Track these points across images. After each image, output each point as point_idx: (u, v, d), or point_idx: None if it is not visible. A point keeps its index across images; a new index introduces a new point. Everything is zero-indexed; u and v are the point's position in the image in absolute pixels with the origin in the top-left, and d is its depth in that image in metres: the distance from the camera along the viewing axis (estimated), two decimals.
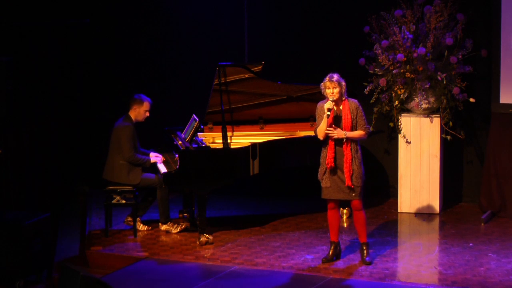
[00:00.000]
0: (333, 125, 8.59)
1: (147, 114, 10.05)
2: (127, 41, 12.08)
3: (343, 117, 8.60)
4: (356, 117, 8.63)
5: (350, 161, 8.59)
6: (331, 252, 8.94)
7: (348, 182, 8.59)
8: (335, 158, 8.62)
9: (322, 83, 8.64)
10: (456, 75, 10.46)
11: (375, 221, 10.40)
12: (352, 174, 8.59)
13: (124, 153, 9.88)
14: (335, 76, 8.58)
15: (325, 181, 8.69)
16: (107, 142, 10.08)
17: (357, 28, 10.86)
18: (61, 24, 11.35)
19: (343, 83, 8.60)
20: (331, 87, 8.56)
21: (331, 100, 8.55)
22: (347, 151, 8.60)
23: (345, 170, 8.59)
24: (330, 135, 8.59)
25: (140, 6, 12.01)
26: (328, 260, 8.89)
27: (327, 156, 8.64)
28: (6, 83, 9.50)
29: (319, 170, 8.76)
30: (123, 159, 9.90)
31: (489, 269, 8.67)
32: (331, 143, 8.61)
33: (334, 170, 8.63)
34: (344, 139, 8.58)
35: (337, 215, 8.87)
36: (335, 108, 8.60)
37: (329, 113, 8.52)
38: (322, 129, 8.61)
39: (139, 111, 10.02)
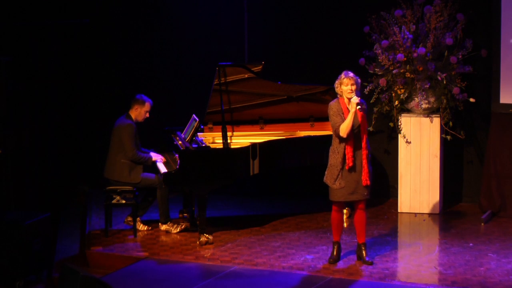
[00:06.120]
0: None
1: (147, 115, 10.08)
2: (127, 41, 12.08)
3: (358, 115, 8.54)
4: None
5: (367, 159, 8.58)
6: (335, 252, 8.93)
7: (366, 181, 8.57)
8: (354, 157, 8.59)
9: (337, 81, 8.56)
10: (456, 75, 10.47)
11: (375, 221, 10.40)
12: (368, 173, 8.59)
13: (127, 151, 9.88)
14: (351, 73, 8.52)
15: (339, 182, 8.63)
16: (107, 141, 10.08)
17: (357, 28, 10.86)
18: (61, 24, 11.35)
19: (359, 80, 8.57)
20: (349, 83, 8.48)
21: (355, 96, 8.46)
22: (365, 150, 8.58)
23: (363, 169, 8.55)
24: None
25: (140, 6, 12.01)
26: (335, 260, 8.87)
27: (346, 156, 8.56)
28: (6, 83, 9.50)
29: (329, 172, 8.66)
30: (126, 157, 9.90)
31: (489, 269, 8.67)
32: (350, 142, 8.54)
33: (350, 170, 8.59)
34: (362, 139, 8.54)
35: (342, 217, 8.88)
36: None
37: (359, 107, 8.43)
38: (348, 125, 8.45)
39: (140, 112, 10.03)
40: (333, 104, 8.62)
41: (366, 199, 8.71)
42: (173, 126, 10.58)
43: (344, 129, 8.49)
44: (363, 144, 8.57)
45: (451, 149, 10.92)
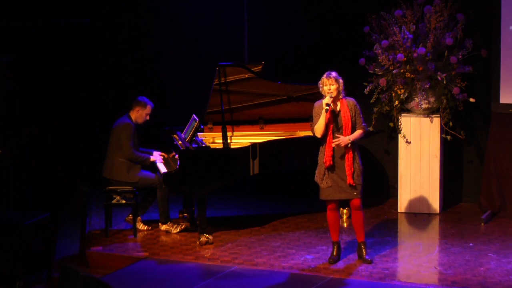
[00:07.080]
0: (336, 133, 8.56)
1: (148, 117, 10.10)
2: (127, 41, 12.08)
3: (341, 115, 8.59)
4: (354, 115, 8.63)
5: (352, 158, 8.57)
6: (335, 252, 8.92)
7: (349, 180, 8.57)
8: (333, 157, 8.59)
9: (319, 82, 8.63)
10: (456, 75, 10.47)
11: (375, 221, 10.40)
12: (353, 172, 8.58)
13: (124, 150, 9.90)
14: (333, 73, 8.58)
15: (326, 181, 8.65)
16: (107, 142, 10.09)
17: (357, 28, 10.86)
18: (61, 24, 11.36)
19: (341, 80, 8.59)
20: (328, 84, 8.54)
21: (329, 96, 8.52)
22: (348, 149, 8.58)
23: (346, 168, 8.57)
24: (335, 144, 8.55)
25: (140, 6, 12.01)
26: (335, 260, 8.86)
27: (325, 155, 8.61)
28: (6, 83, 9.49)
29: (317, 171, 8.70)
30: (123, 156, 9.91)
31: (489, 269, 8.67)
32: (329, 141, 8.59)
33: (334, 169, 8.60)
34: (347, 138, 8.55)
35: (337, 216, 8.87)
36: (332, 105, 8.57)
37: (327, 107, 8.49)
38: (320, 125, 8.55)
39: (141, 114, 10.05)
40: (316, 104, 8.70)
41: (358, 198, 8.69)
42: (173, 126, 10.58)
43: (317, 129, 8.58)
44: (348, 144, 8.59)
45: (451, 149, 10.92)
